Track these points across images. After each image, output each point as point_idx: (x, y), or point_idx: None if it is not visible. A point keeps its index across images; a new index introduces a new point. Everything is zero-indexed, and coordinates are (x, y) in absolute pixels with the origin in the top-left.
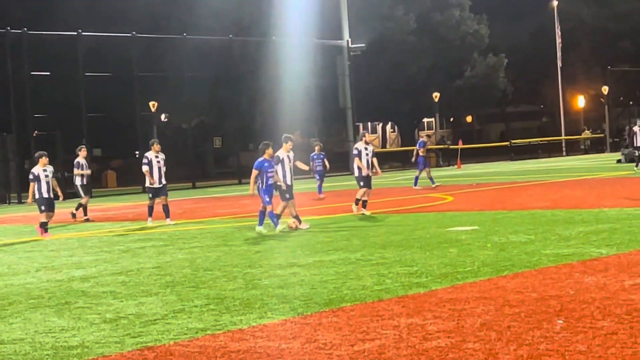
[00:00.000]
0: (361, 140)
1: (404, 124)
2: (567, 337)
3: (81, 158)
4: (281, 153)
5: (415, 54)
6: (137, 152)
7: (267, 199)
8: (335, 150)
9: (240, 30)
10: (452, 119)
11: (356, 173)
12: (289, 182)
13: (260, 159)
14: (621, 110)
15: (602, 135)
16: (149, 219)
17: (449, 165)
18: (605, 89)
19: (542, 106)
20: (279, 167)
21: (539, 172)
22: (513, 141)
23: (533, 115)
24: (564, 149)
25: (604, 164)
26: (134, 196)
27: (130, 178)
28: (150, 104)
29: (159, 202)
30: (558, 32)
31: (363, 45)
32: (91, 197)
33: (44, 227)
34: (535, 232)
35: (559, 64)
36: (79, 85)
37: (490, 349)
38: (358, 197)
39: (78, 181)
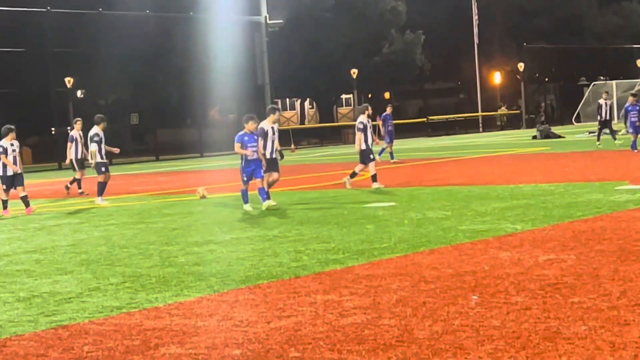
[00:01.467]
0: (363, 113)
1: (322, 100)
2: (482, 312)
3: (76, 131)
4: (265, 125)
5: (333, 30)
6: (52, 129)
7: (245, 178)
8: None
9: (158, 6)
10: (370, 96)
11: (363, 147)
12: (268, 155)
13: (240, 133)
14: (537, 86)
15: (518, 111)
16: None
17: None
18: (521, 66)
19: (459, 83)
20: (260, 140)
21: (456, 149)
22: (430, 117)
23: (450, 92)
24: (480, 125)
25: (520, 140)
26: (49, 173)
27: (46, 155)
28: (66, 79)
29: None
30: (475, 9)
31: (281, 21)
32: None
33: (4, 203)
34: (452, 208)
35: (476, 40)
36: None
37: (406, 325)
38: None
39: (72, 155)
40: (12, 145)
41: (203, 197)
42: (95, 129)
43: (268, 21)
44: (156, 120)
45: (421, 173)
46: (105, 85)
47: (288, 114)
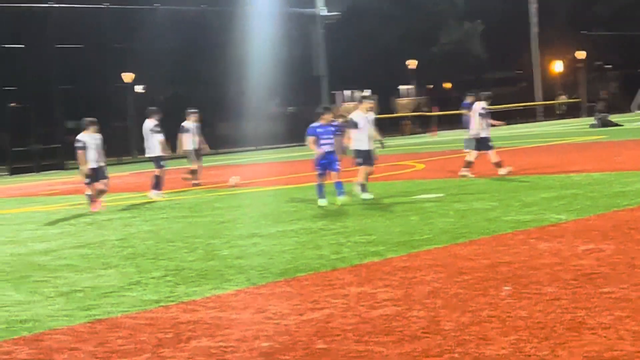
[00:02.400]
0: (486, 100)
1: (380, 91)
2: (511, 303)
3: (190, 123)
4: (355, 116)
5: (391, 22)
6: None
7: (320, 171)
8: (312, 119)
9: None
10: (429, 86)
11: (483, 134)
12: (366, 147)
13: (314, 124)
14: (597, 74)
15: (578, 100)
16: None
17: (424, 132)
18: (581, 54)
19: (518, 72)
20: (353, 131)
21: (513, 138)
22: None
23: (510, 81)
24: (539, 114)
25: (577, 129)
26: (110, 168)
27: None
28: (124, 75)
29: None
30: None
31: (337, 13)
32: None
33: (90, 198)
34: (500, 198)
35: (535, 29)
36: (51, 57)
37: (434, 317)
38: None
39: (189, 146)
40: (94, 138)
41: (235, 185)
42: (151, 122)
43: (324, 14)
44: (213, 113)
45: (474, 163)
46: (163, 80)
47: (347, 105)
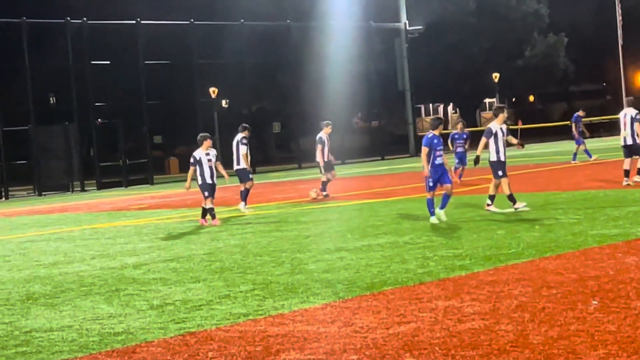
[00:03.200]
0: (630, 106)
1: (465, 105)
2: (599, 317)
3: (324, 134)
4: (494, 126)
5: (475, 35)
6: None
7: (431, 184)
8: (396, 132)
9: (298, 15)
10: (513, 99)
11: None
12: (502, 158)
13: (429, 135)
14: None
15: None
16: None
17: (509, 146)
18: None
19: (604, 84)
20: (491, 141)
21: (598, 151)
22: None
23: (596, 94)
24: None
25: None
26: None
27: None
28: (210, 90)
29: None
30: (618, 9)
31: (421, 27)
32: (329, 173)
33: (210, 212)
34: (585, 212)
35: (620, 41)
36: (139, 73)
37: (522, 330)
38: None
39: (319, 157)
40: (207, 154)
41: (314, 199)
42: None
43: (408, 27)
44: (299, 127)
45: (560, 177)
46: (248, 95)
47: (430, 119)
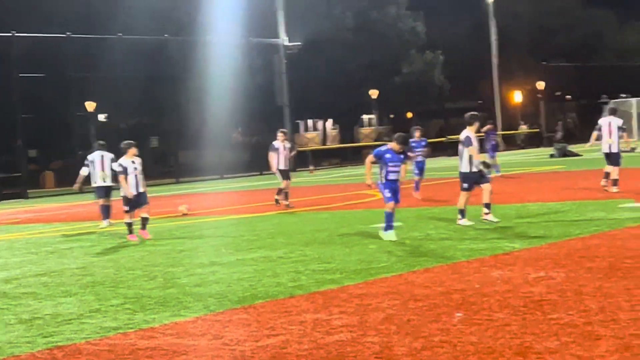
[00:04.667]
0: (614, 114)
1: (343, 121)
2: (462, 329)
3: (280, 142)
4: (469, 133)
5: (353, 52)
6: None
7: (388, 194)
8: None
9: (177, 29)
10: (391, 116)
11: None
12: (474, 169)
13: (383, 148)
14: (557, 105)
15: (538, 130)
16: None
17: None
18: (540, 84)
19: (479, 102)
20: (465, 151)
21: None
22: (449, 137)
23: (471, 111)
24: (500, 143)
25: (538, 159)
26: (71, 197)
27: (69, 179)
28: (87, 104)
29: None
30: (493, 28)
31: (299, 43)
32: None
33: (129, 226)
34: (455, 227)
35: (495, 60)
36: (13, 86)
37: (388, 342)
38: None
39: (275, 165)
40: (133, 162)
41: (184, 214)
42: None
43: (287, 43)
44: (177, 142)
45: (433, 193)
46: (126, 109)
47: (310, 135)
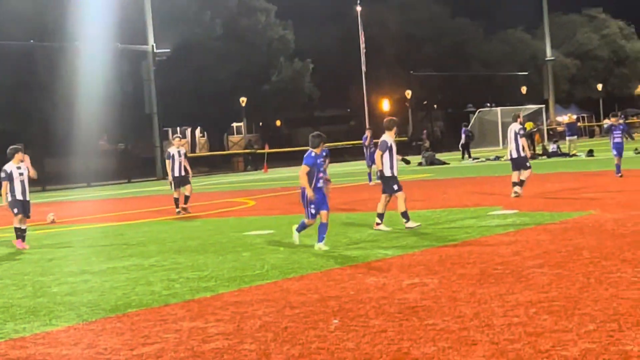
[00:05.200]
0: (516, 121)
1: (212, 128)
2: (340, 335)
3: (174, 148)
4: (388, 138)
5: (222, 59)
6: None
7: (313, 211)
8: (142, 155)
9: (44, 35)
10: (260, 124)
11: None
12: (395, 173)
13: (312, 154)
14: (425, 113)
15: (406, 138)
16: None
17: (256, 170)
18: (408, 93)
19: (348, 110)
20: (385, 155)
21: (343, 175)
22: None
23: (340, 119)
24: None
25: (406, 167)
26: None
27: None
28: None
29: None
30: (362, 37)
31: (168, 50)
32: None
33: (21, 233)
34: (328, 235)
35: (364, 68)
36: None
37: (265, 349)
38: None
39: (169, 173)
40: (18, 168)
41: (52, 222)
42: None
43: (155, 50)
44: (43, 150)
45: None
46: None
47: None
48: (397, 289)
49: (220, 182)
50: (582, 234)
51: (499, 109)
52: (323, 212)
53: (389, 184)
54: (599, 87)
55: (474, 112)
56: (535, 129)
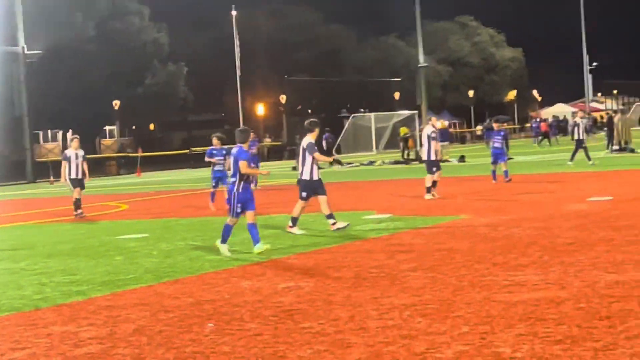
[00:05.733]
0: (428, 125)
1: (84, 131)
2: (215, 339)
3: (72, 150)
4: (312, 141)
5: (95, 62)
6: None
7: (238, 210)
8: (13, 158)
9: None
10: (134, 127)
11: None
12: (315, 177)
13: (239, 149)
14: (299, 119)
15: (281, 142)
16: None
17: (129, 173)
18: (283, 98)
19: (223, 115)
20: (308, 158)
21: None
22: (193, 149)
23: (215, 124)
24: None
25: (281, 171)
26: None
27: None
28: None
29: None
30: (237, 41)
31: (40, 52)
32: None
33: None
34: (203, 238)
35: (238, 72)
36: None
37: (139, 354)
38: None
39: (65, 175)
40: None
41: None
42: None
43: (26, 52)
44: None
45: (179, 204)
46: None
47: (50, 145)
48: (273, 293)
49: (92, 185)
50: (455, 237)
51: (372, 114)
52: (249, 212)
53: (304, 189)
54: (471, 93)
55: (347, 118)
56: (409, 135)
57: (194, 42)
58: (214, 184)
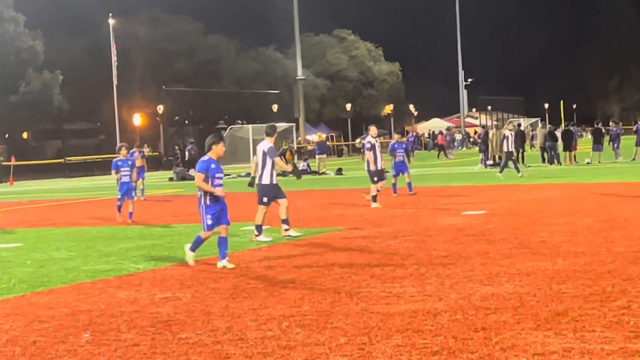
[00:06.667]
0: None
1: None
2: (91, 349)
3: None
4: (267, 144)
5: None
6: None
7: (210, 222)
8: None
9: None
10: (7, 135)
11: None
12: (274, 181)
13: (205, 158)
14: (177, 129)
15: (158, 153)
16: None
17: (1, 182)
18: (160, 108)
19: (99, 124)
20: (268, 162)
21: (94, 190)
22: (68, 158)
23: (90, 133)
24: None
25: (157, 181)
26: None
27: None
28: None
29: None
30: (114, 50)
31: None
32: None
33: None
34: (78, 248)
35: (115, 81)
36: None
37: None
38: (373, 193)
39: None
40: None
41: None
42: None
43: None
44: None
45: (54, 214)
46: None
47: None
48: (150, 303)
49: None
50: (333, 249)
51: (250, 126)
52: (222, 227)
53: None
54: (348, 107)
55: (225, 129)
56: (287, 148)
57: (70, 50)
58: (120, 197)
